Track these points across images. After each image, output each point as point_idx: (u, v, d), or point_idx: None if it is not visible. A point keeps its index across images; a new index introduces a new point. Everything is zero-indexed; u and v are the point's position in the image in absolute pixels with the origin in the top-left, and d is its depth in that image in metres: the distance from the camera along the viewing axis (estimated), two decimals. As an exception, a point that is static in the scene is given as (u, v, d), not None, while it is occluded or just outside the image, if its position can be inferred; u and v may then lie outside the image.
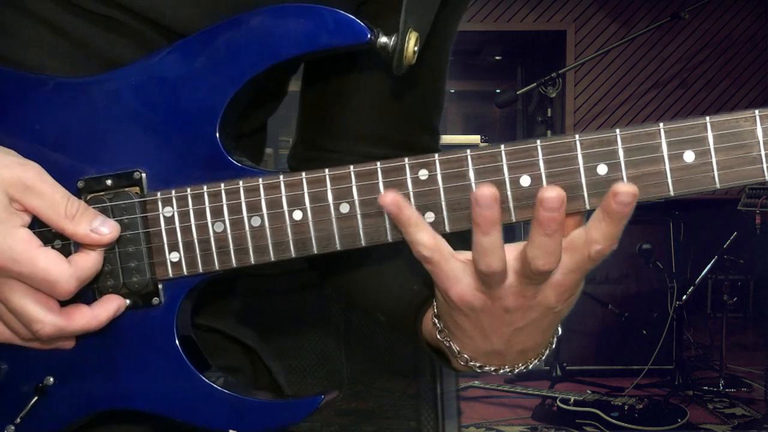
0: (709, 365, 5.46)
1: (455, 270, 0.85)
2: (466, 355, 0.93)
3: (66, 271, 0.88)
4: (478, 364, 0.94)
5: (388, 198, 0.83)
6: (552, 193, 0.77)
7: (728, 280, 5.47)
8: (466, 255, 0.85)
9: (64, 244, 0.94)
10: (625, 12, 7.77)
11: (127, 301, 0.95)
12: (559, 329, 0.94)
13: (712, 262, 4.94)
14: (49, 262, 0.88)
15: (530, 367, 0.95)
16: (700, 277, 5.00)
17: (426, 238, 0.84)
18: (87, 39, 1.01)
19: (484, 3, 7.82)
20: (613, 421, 4.26)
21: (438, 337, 0.95)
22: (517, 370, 0.95)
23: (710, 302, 6.19)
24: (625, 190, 0.77)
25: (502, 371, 0.94)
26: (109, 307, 0.93)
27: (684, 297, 4.91)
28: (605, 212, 0.79)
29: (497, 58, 9.26)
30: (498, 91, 8.98)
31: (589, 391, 4.58)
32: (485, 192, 0.78)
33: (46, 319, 0.89)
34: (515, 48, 8.78)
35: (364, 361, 1.48)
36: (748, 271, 6.20)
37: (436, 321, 0.94)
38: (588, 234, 0.81)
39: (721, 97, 7.74)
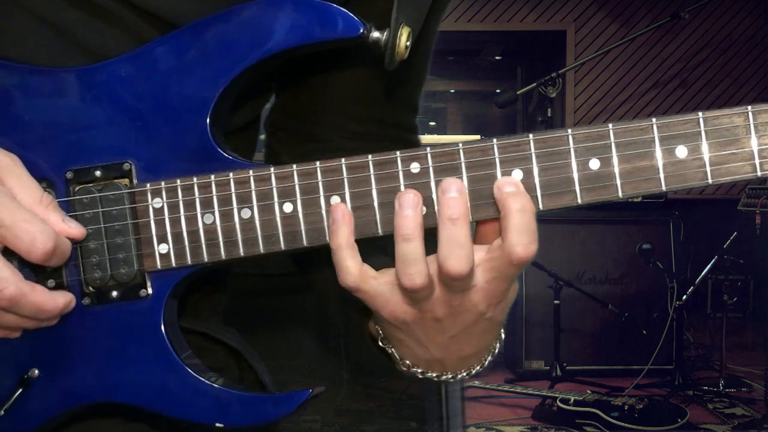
0: (709, 365, 5.46)
1: (383, 292, 0.87)
2: (408, 362, 0.95)
3: (47, 229, 0.87)
4: (420, 371, 0.95)
5: (342, 207, 0.86)
6: (449, 182, 0.82)
7: (728, 280, 5.47)
8: (391, 274, 0.86)
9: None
10: (625, 12, 7.76)
11: (82, 301, 0.94)
12: (502, 334, 0.95)
13: (712, 262, 4.93)
14: (30, 215, 0.87)
15: (473, 372, 0.96)
16: (700, 277, 4.99)
17: (353, 266, 0.85)
18: (79, 32, 1.00)
19: (484, 3, 7.82)
20: (613, 421, 4.25)
21: (380, 344, 0.97)
22: (459, 376, 0.96)
23: (710, 302, 6.20)
24: (505, 179, 0.83)
25: (444, 377, 0.96)
26: (66, 295, 0.92)
27: (684, 297, 4.90)
28: (502, 207, 0.82)
29: (497, 58, 9.25)
30: (498, 91, 8.99)
31: (589, 391, 4.57)
32: (408, 195, 0.82)
33: (12, 278, 0.86)
34: (515, 48, 8.77)
35: (364, 361, 1.47)
36: (748, 271, 6.21)
37: (379, 329, 0.96)
38: (503, 237, 0.82)
39: (721, 97, 7.73)
